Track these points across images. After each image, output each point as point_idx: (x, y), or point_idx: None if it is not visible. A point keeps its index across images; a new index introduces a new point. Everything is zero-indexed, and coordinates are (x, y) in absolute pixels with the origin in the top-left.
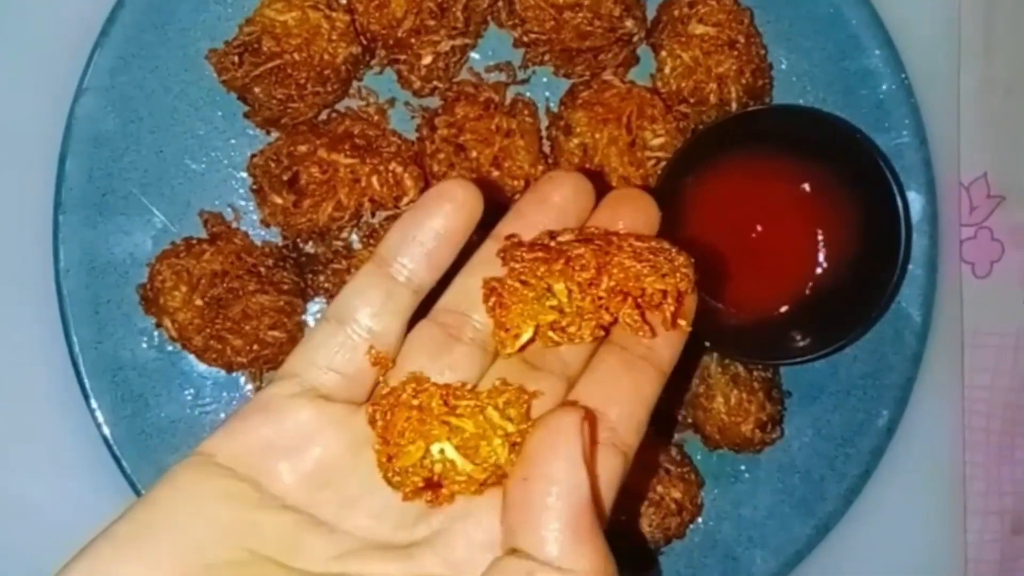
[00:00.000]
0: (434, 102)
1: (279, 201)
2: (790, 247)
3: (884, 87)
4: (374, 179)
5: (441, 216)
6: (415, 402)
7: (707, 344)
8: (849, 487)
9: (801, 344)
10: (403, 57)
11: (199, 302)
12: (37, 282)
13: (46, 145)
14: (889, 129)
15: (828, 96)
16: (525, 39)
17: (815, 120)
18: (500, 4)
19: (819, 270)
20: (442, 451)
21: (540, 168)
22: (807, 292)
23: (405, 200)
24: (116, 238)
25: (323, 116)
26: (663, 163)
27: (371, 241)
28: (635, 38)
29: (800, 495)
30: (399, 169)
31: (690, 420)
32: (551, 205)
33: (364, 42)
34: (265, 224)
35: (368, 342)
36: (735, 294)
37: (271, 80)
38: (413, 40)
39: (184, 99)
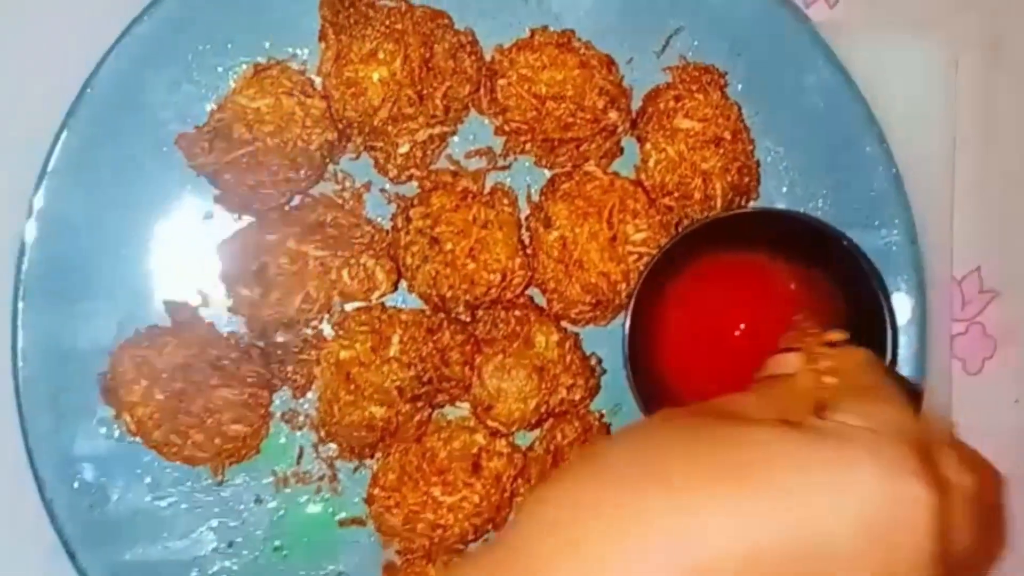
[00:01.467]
0: (411, 188)
1: (246, 292)
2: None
3: (875, 184)
4: (345, 272)
5: None
6: None
7: None
8: None
9: None
10: (379, 144)
11: (160, 396)
12: None
13: (7, 228)
14: (880, 227)
15: (817, 191)
16: (506, 128)
17: (799, 223)
18: (482, 92)
19: None
20: None
21: (517, 261)
22: None
23: (376, 294)
24: (78, 324)
25: (296, 201)
26: (645, 258)
27: (341, 331)
28: (619, 130)
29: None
30: (371, 263)
31: None
32: None
33: (340, 127)
34: (233, 312)
35: None
36: (715, 396)
37: (242, 166)
38: (390, 128)
39: (153, 181)
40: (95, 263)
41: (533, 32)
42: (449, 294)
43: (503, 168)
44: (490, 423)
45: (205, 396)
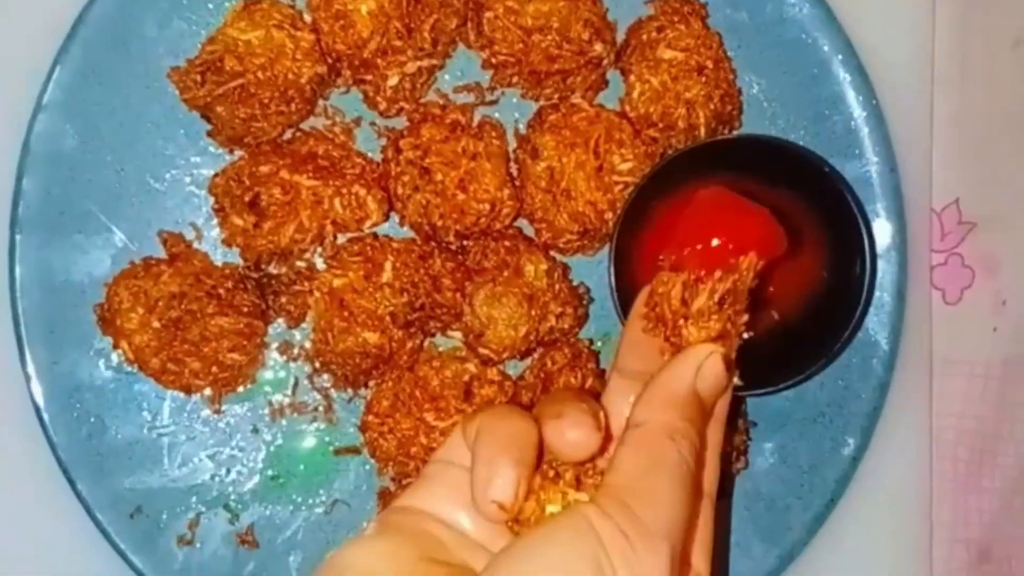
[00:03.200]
0: (400, 122)
1: (239, 223)
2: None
3: (854, 113)
4: (337, 201)
5: None
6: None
7: None
8: (814, 515)
9: (766, 375)
10: (369, 78)
11: (156, 324)
12: None
13: (2, 163)
14: (859, 156)
15: (798, 122)
16: (493, 60)
17: (781, 150)
18: (469, 25)
19: (785, 300)
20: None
21: (506, 191)
22: (773, 320)
23: (368, 223)
24: (73, 257)
25: (287, 135)
26: (630, 188)
27: (334, 262)
28: (604, 62)
29: (765, 523)
30: (362, 192)
31: None
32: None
33: (329, 61)
34: (227, 244)
35: None
36: None
37: (234, 99)
38: (379, 61)
39: (145, 116)
40: (89, 196)
41: None
42: (440, 223)
43: (491, 103)
44: (481, 351)
45: (201, 325)
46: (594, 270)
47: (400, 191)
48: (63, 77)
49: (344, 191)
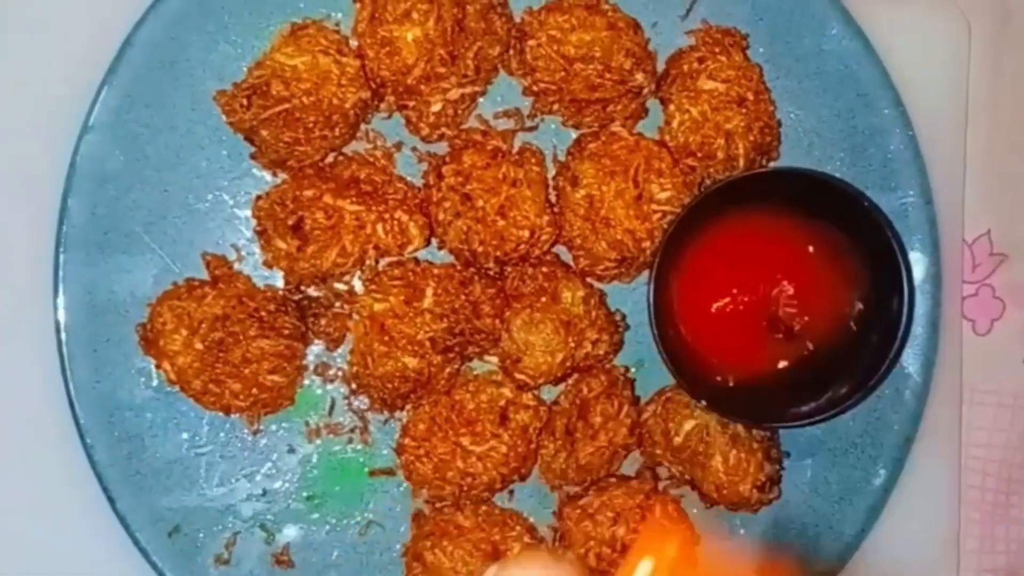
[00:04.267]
0: (441, 148)
1: (283, 246)
2: (791, 307)
3: (892, 146)
4: (379, 227)
5: None
6: None
7: (703, 404)
8: (845, 545)
9: (802, 409)
10: (412, 103)
11: (199, 346)
12: (36, 320)
13: (50, 183)
14: (896, 188)
15: (835, 153)
16: (535, 88)
17: (821, 183)
18: (511, 52)
19: (819, 332)
20: None
21: (545, 218)
22: (807, 352)
23: (409, 248)
24: (117, 277)
25: (329, 159)
26: (669, 216)
27: (374, 286)
28: (644, 91)
29: (795, 553)
30: (404, 217)
31: (687, 476)
32: None
33: (373, 87)
34: (268, 266)
35: None
36: (735, 353)
37: (279, 123)
38: (423, 87)
39: (190, 138)
40: (133, 217)
41: None
42: (480, 249)
43: (531, 129)
44: (518, 376)
45: (243, 347)
46: (629, 296)
47: (442, 217)
48: (110, 99)
49: (387, 216)
